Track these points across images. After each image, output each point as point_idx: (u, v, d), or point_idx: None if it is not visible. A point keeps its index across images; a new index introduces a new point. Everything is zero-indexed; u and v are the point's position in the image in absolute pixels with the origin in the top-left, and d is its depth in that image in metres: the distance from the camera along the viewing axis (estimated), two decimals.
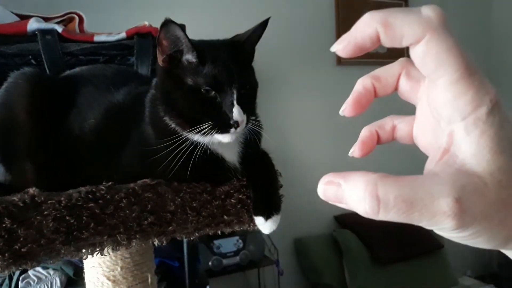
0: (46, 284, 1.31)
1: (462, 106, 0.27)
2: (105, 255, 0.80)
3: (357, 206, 0.27)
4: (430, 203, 0.26)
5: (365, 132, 0.38)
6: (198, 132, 0.65)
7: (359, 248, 2.77)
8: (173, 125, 0.68)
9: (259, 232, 0.68)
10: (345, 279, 2.66)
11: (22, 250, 0.58)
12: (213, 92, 0.65)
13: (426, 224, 0.27)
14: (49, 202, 0.60)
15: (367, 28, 0.29)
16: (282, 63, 2.68)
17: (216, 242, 2.41)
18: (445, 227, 0.27)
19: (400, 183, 0.27)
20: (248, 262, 2.47)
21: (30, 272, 1.35)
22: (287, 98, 2.76)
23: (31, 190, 0.61)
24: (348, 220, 2.96)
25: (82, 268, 1.00)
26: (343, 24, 3.04)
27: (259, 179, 0.74)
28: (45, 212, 0.60)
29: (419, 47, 0.28)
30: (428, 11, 0.28)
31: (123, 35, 1.12)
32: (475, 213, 0.26)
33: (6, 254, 0.57)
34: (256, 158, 0.76)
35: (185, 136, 0.67)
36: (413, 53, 0.29)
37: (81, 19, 1.19)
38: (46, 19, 1.14)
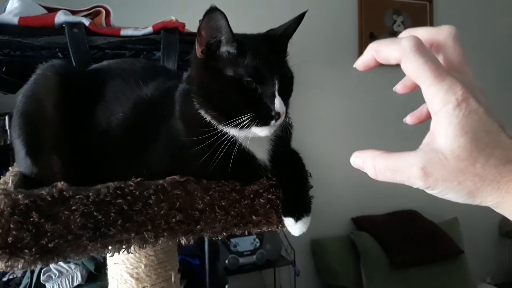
0: (67, 278, 1.31)
1: (435, 104, 0.39)
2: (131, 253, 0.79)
3: (368, 172, 0.45)
4: (406, 170, 0.41)
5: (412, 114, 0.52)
6: (236, 125, 0.63)
7: (376, 251, 2.73)
8: (208, 118, 0.66)
9: (276, 231, 0.66)
10: (362, 282, 2.63)
11: (49, 245, 0.57)
12: (254, 83, 0.64)
13: (407, 183, 0.42)
14: (77, 197, 0.59)
15: (368, 53, 0.45)
16: (303, 62, 2.64)
17: (233, 240, 2.40)
18: (418, 186, 0.41)
19: (388, 157, 0.43)
20: (265, 262, 2.46)
21: (52, 266, 1.35)
22: (307, 97, 2.72)
23: (59, 184, 0.59)
24: (366, 223, 2.92)
25: (103, 263, 0.99)
26: (366, 25, 3.00)
27: (289, 178, 0.71)
28: (73, 207, 0.59)
29: (401, 65, 0.41)
30: (404, 42, 0.40)
31: (149, 29, 1.11)
32: (437, 177, 0.40)
33: (33, 249, 0.56)
34: (286, 157, 0.73)
35: (221, 130, 0.65)
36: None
37: (107, 13, 1.18)
38: (74, 12, 1.13)
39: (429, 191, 0.41)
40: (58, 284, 1.29)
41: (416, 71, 0.40)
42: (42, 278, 1.31)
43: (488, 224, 3.42)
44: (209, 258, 1.24)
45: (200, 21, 0.64)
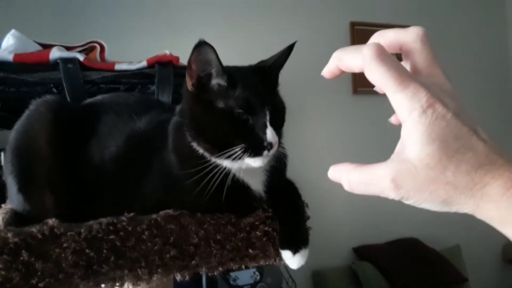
0: None
1: (401, 112, 0.38)
2: None
3: (343, 185, 0.44)
4: (378, 182, 0.40)
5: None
6: (228, 157, 0.63)
7: (379, 280, 2.68)
8: (201, 151, 0.66)
9: (276, 264, 0.65)
10: None
11: (39, 285, 0.56)
12: (246, 114, 0.64)
13: (382, 195, 0.41)
14: (68, 234, 0.58)
15: (332, 62, 0.45)
16: (298, 91, 2.66)
17: (233, 274, 2.35)
18: (392, 197, 0.40)
19: (361, 170, 0.42)
20: None
21: None
22: (303, 126, 2.73)
23: (50, 221, 0.58)
24: (367, 252, 2.88)
25: None
26: None
27: (285, 210, 0.70)
28: (64, 245, 0.57)
29: (365, 74, 0.40)
30: (365, 50, 0.39)
31: (144, 63, 1.12)
32: (408, 188, 0.39)
33: None
34: (282, 188, 0.73)
35: (213, 162, 0.64)
36: None
37: (102, 48, 1.19)
38: (68, 48, 1.14)
39: (405, 202, 0.40)
40: None
41: (379, 80, 0.39)
42: None
43: (491, 250, 3.37)
44: None
45: (190, 55, 0.64)
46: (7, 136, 1.46)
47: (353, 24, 3.03)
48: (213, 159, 0.65)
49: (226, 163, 0.65)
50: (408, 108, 0.38)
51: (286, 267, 2.31)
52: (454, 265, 2.87)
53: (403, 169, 0.39)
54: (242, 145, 0.63)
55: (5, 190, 1.74)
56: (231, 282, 2.34)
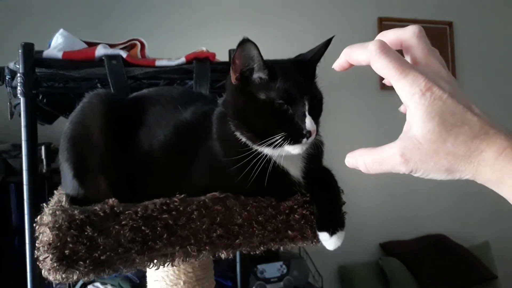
0: None
1: (404, 97, 0.44)
2: (169, 269, 0.83)
3: (361, 168, 0.49)
4: (389, 159, 0.46)
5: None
6: (269, 145, 0.67)
7: (406, 277, 2.67)
8: (243, 139, 0.71)
9: (303, 258, 0.68)
10: None
11: (101, 258, 0.61)
12: (286, 105, 0.68)
13: (394, 171, 0.47)
14: (126, 212, 0.64)
15: (342, 57, 0.52)
16: (325, 86, 2.69)
17: (260, 267, 2.39)
18: (402, 171, 0.46)
19: (374, 152, 0.48)
20: None
21: (89, 287, 1.39)
22: (330, 121, 2.74)
23: (111, 201, 0.64)
24: (394, 248, 2.88)
25: (139, 285, 1.02)
26: None
27: (322, 194, 0.74)
28: (123, 222, 0.63)
29: (372, 66, 0.46)
30: (370, 46, 0.46)
31: (182, 60, 1.17)
32: (416, 160, 0.44)
33: (87, 261, 0.61)
34: (319, 174, 0.77)
35: (255, 150, 0.69)
36: None
37: (142, 46, 1.25)
38: (112, 46, 1.21)
39: (413, 174, 0.46)
40: None
41: (383, 70, 0.45)
42: None
43: None
44: (241, 280, 1.26)
45: (234, 51, 0.69)
46: (49, 132, 1.54)
47: (381, 20, 3.04)
48: (255, 147, 0.70)
49: (267, 150, 0.70)
50: (409, 93, 0.44)
51: (313, 261, 2.33)
52: (483, 262, 2.84)
53: (409, 145, 0.45)
54: (283, 133, 0.67)
55: (46, 180, 1.83)
56: (259, 274, 2.38)
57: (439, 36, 3.19)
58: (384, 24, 3.04)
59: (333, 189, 0.75)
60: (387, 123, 3.15)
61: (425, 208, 2.98)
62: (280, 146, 0.68)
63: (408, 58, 0.49)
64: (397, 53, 0.46)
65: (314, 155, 0.76)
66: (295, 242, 0.74)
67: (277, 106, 0.68)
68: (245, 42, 0.66)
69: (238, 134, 0.72)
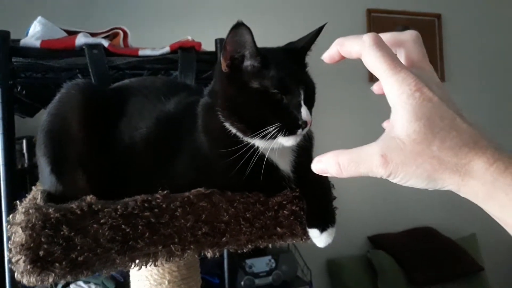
0: None
1: (392, 95, 0.42)
2: (153, 269, 0.79)
3: (331, 171, 0.46)
4: (368, 159, 0.42)
5: None
6: (263, 136, 0.64)
7: (394, 269, 2.68)
8: (233, 131, 0.67)
9: (291, 251, 0.66)
10: None
11: (79, 259, 0.58)
12: (280, 94, 0.65)
13: (371, 174, 0.43)
14: (105, 210, 0.60)
15: (333, 47, 0.49)
16: (314, 78, 2.67)
17: (248, 261, 2.37)
18: (380, 175, 0.42)
19: (351, 152, 0.44)
20: (281, 283, 2.41)
21: (72, 286, 1.35)
22: (318, 114, 2.73)
23: (88, 198, 0.60)
24: (382, 241, 2.88)
25: (123, 284, 0.99)
26: None
27: (312, 189, 0.71)
28: (102, 221, 0.59)
29: (362, 59, 0.45)
30: (365, 37, 0.44)
31: (167, 49, 1.13)
32: (397, 162, 0.41)
33: (63, 263, 0.57)
34: (308, 168, 0.73)
35: (245, 142, 0.66)
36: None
37: (125, 34, 1.21)
38: (93, 35, 1.16)
39: (391, 179, 0.43)
40: None
41: (373, 64, 0.43)
42: None
43: (508, 239, 3.30)
44: (228, 276, 1.23)
45: (226, 36, 0.65)
46: (30, 125, 1.49)
47: (369, 11, 3.01)
48: (246, 139, 0.66)
49: (258, 142, 0.66)
50: (398, 91, 0.42)
51: (301, 255, 2.32)
52: (470, 254, 2.86)
53: (392, 145, 0.42)
54: (277, 124, 0.64)
55: (27, 175, 1.78)
56: (247, 269, 2.36)
57: (427, 28, 3.19)
58: (373, 15, 3.01)
59: (323, 184, 0.72)
60: (376, 117, 3.14)
61: (413, 201, 2.98)
62: (273, 137, 0.64)
63: (402, 60, 0.47)
64: (391, 50, 0.44)
65: (304, 148, 0.73)
66: (284, 239, 0.71)
67: (271, 95, 0.65)
68: (238, 26, 0.62)
69: (227, 125, 0.68)
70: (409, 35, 0.48)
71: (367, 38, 0.44)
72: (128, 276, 0.86)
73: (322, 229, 0.68)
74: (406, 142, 0.41)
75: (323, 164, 0.47)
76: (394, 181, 0.43)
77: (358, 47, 0.45)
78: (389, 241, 2.88)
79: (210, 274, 1.40)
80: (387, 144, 0.42)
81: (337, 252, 2.79)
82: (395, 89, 0.42)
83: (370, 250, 2.82)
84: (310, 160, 0.75)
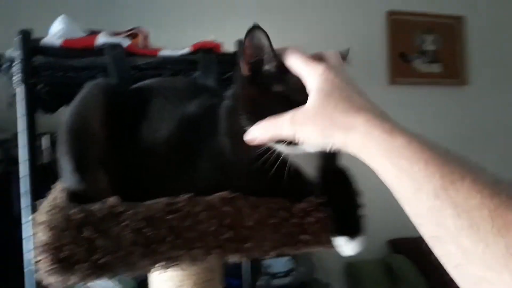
0: None
1: (308, 80, 0.55)
2: (175, 270, 0.78)
3: (258, 135, 0.59)
4: (281, 121, 0.55)
5: None
6: (285, 142, 0.61)
7: (414, 275, 2.62)
8: None
9: (310, 253, 0.64)
10: None
11: (101, 261, 0.57)
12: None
13: (282, 134, 0.56)
14: (128, 212, 0.59)
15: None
16: None
17: (266, 261, 2.35)
18: (286, 133, 0.54)
19: (273, 118, 0.57)
20: (299, 284, 2.39)
21: (93, 283, 1.35)
22: None
23: (111, 200, 0.59)
24: (403, 245, 2.82)
25: (144, 282, 0.97)
26: (395, 44, 2.98)
27: (340, 196, 0.69)
28: (124, 223, 0.58)
29: (287, 63, 0.59)
30: (288, 49, 0.59)
31: (187, 50, 1.12)
32: (300, 123, 0.53)
33: (86, 264, 0.56)
34: (335, 174, 0.71)
35: (267, 146, 0.63)
36: None
37: (145, 35, 1.20)
38: (114, 34, 1.15)
39: (297, 139, 0.54)
40: None
41: (295, 63, 0.57)
42: None
43: None
44: (250, 279, 1.21)
45: (243, 40, 0.63)
46: (51, 121, 1.50)
47: (389, 14, 2.96)
48: (268, 143, 0.64)
49: (281, 147, 0.64)
50: (311, 76, 0.54)
51: (320, 256, 2.28)
52: None
53: (299, 111, 0.53)
54: None
55: (47, 172, 1.79)
56: (264, 269, 2.34)
57: (449, 30, 3.13)
58: (393, 18, 2.96)
59: (351, 191, 0.70)
60: (396, 118, 3.10)
61: None
62: (296, 144, 0.62)
63: None
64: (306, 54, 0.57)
65: (330, 154, 0.70)
66: (309, 247, 0.69)
67: (293, 101, 0.62)
68: (253, 29, 0.60)
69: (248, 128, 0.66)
70: (328, 52, 0.59)
71: (289, 48, 0.58)
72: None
73: (350, 237, 0.66)
74: (309, 107, 0.52)
75: (251, 133, 0.59)
76: (300, 139, 0.54)
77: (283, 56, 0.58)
78: (409, 245, 2.81)
79: (231, 276, 1.39)
80: (297, 111, 0.54)
81: (356, 255, 2.72)
82: (310, 76, 0.54)
83: (389, 254, 2.78)
84: (335, 166, 0.73)
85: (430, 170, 0.42)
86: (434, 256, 0.45)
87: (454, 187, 0.40)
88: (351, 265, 2.76)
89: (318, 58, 0.57)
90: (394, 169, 0.45)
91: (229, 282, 1.38)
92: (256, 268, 1.47)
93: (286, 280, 2.33)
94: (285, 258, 2.35)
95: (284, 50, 0.59)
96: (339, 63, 0.57)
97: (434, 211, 0.41)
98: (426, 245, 0.44)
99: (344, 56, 0.68)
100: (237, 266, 1.33)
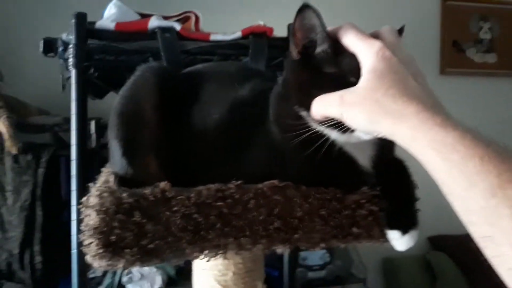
0: (148, 281, 1.33)
1: (362, 57, 0.52)
2: (218, 259, 0.77)
3: (313, 109, 0.58)
4: (331, 99, 0.54)
5: None
6: (339, 128, 0.56)
7: (455, 274, 2.54)
8: (308, 121, 0.61)
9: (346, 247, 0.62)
10: None
11: (149, 246, 0.56)
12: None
13: (331, 113, 0.54)
14: (178, 197, 0.58)
15: None
16: None
17: (302, 253, 2.33)
18: (335, 112, 0.53)
19: (325, 94, 0.55)
20: (334, 278, 2.36)
21: (134, 268, 1.38)
22: None
23: (162, 184, 0.59)
24: (443, 242, 2.74)
25: (184, 269, 0.98)
26: (449, 32, 2.85)
27: (395, 188, 0.66)
28: (174, 208, 0.58)
29: (342, 41, 0.56)
30: (343, 25, 0.56)
31: (238, 34, 1.10)
32: (349, 102, 0.51)
33: (134, 249, 0.56)
34: (390, 165, 0.68)
35: (320, 133, 0.60)
36: None
37: (197, 19, 1.20)
38: (166, 18, 1.15)
39: (345, 119, 0.52)
40: (140, 287, 1.31)
41: (350, 40, 0.54)
42: (124, 279, 1.34)
43: None
44: (289, 270, 1.20)
45: (293, 21, 0.60)
46: (99, 107, 1.53)
47: (445, 0, 2.82)
48: (320, 130, 0.61)
49: (334, 134, 0.61)
50: (366, 53, 0.51)
51: (357, 251, 2.24)
52: None
53: (349, 90, 0.51)
54: None
55: (95, 156, 1.84)
56: (301, 261, 2.32)
57: (509, 17, 2.95)
58: (448, 4, 2.83)
59: (407, 183, 0.67)
60: (448, 109, 2.98)
61: None
62: (351, 131, 0.57)
63: None
64: (363, 30, 0.55)
65: (386, 143, 0.67)
66: (360, 240, 0.66)
67: (349, 83, 0.58)
68: (304, 9, 0.57)
69: (303, 114, 0.62)
70: (384, 28, 0.56)
71: (345, 24, 0.55)
72: (190, 262, 0.85)
73: (404, 231, 0.63)
74: (360, 87, 0.50)
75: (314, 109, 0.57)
76: (347, 121, 0.52)
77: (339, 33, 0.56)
78: (450, 243, 2.72)
79: (270, 267, 1.38)
80: (347, 91, 0.52)
81: (394, 251, 2.64)
82: (365, 52, 0.51)
83: (429, 251, 2.71)
84: (392, 156, 0.70)
85: (486, 167, 0.39)
86: (475, 255, 0.43)
87: None
88: (389, 261, 2.71)
89: (374, 36, 0.55)
90: (445, 164, 0.42)
91: (268, 273, 1.38)
92: (295, 259, 1.46)
93: (321, 274, 2.30)
94: (322, 251, 2.32)
95: (338, 28, 0.56)
96: (397, 40, 0.55)
97: (489, 210, 0.39)
98: (468, 243, 0.44)
99: (400, 33, 0.64)
100: (276, 257, 1.32)
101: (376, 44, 0.50)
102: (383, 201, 0.66)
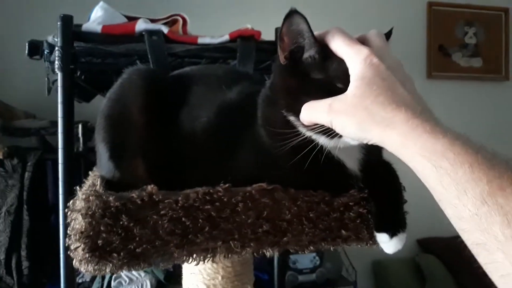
0: (137, 285, 1.32)
1: (350, 64, 0.52)
2: (207, 263, 0.77)
3: (302, 116, 0.58)
4: (320, 107, 0.53)
5: None
6: (327, 133, 0.57)
7: (444, 275, 2.56)
8: (296, 125, 0.61)
9: (337, 250, 0.62)
10: None
11: (137, 250, 0.56)
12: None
13: (320, 120, 0.54)
14: (166, 201, 0.57)
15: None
16: None
17: (292, 257, 2.33)
18: (324, 119, 0.53)
19: (314, 101, 0.55)
20: (325, 281, 2.36)
21: (122, 273, 1.37)
22: None
23: (150, 187, 0.58)
24: (433, 245, 2.75)
25: (173, 273, 0.97)
26: (435, 36, 2.88)
27: (383, 191, 0.66)
28: (162, 212, 0.57)
29: (330, 45, 0.56)
30: (330, 29, 0.56)
31: (226, 37, 1.10)
32: (338, 110, 0.51)
33: (121, 253, 0.55)
34: (378, 168, 0.68)
35: (308, 137, 0.60)
36: None
37: (184, 22, 1.19)
38: (153, 21, 1.15)
39: (334, 127, 0.52)
40: None
41: (338, 45, 0.54)
42: (113, 284, 1.33)
43: None
44: (278, 273, 1.19)
45: (281, 26, 0.60)
46: (85, 110, 1.51)
47: (430, 5, 2.86)
48: (308, 133, 0.61)
49: (322, 140, 0.60)
50: (354, 59, 0.51)
51: (347, 254, 2.25)
52: None
53: (338, 98, 0.51)
54: None
55: (81, 159, 1.81)
56: (291, 264, 2.32)
57: (493, 23, 3.00)
58: (434, 9, 2.86)
59: (394, 186, 0.67)
60: (434, 112, 3.01)
61: None
62: (339, 137, 0.57)
63: None
64: (351, 35, 0.55)
65: (373, 146, 0.67)
66: (348, 242, 0.66)
67: (336, 89, 0.59)
68: (291, 14, 0.56)
69: (290, 119, 0.62)
70: (371, 32, 0.56)
71: (332, 29, 0.55)
72: (179, 267, 0.84)
73: (392, 234, 0.63)
74: (348, 95, 0.50)
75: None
76: (336, 128, 0.52)
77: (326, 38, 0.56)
78: (440, 245, 2.74)
79: (260, 270, 1.38)
80: (336, 98, 0.51)
81: (384, 254, 2.65)
82: (352, 59, 0.51)
83: (419, 254, 2.72)
84: (379, 159, 0.70)
85: (476, 174, 0.40)
86: (464, 257, 0.43)
87: (503, 194, 0.38)
88: (378, 263, 2.72)
89: (361, 40, 0.55)
90: (436, 172, 0.42)
91: (258, 276, 1.37)
92: (284, 263, 1.45)
93: (312, 277, 2.31)
94: (312, 254, 2.32)
95: (325, 33, 0.56)
96: (384, 45, 0.55)
97: (480, 218, 0.39)
98: (457, 246, 0.44)
99: (388, 37, 0.65)
100: (266, 260, 1.32)
101: (363, 51, 0.50)
102: (371, 204, 0.66)
